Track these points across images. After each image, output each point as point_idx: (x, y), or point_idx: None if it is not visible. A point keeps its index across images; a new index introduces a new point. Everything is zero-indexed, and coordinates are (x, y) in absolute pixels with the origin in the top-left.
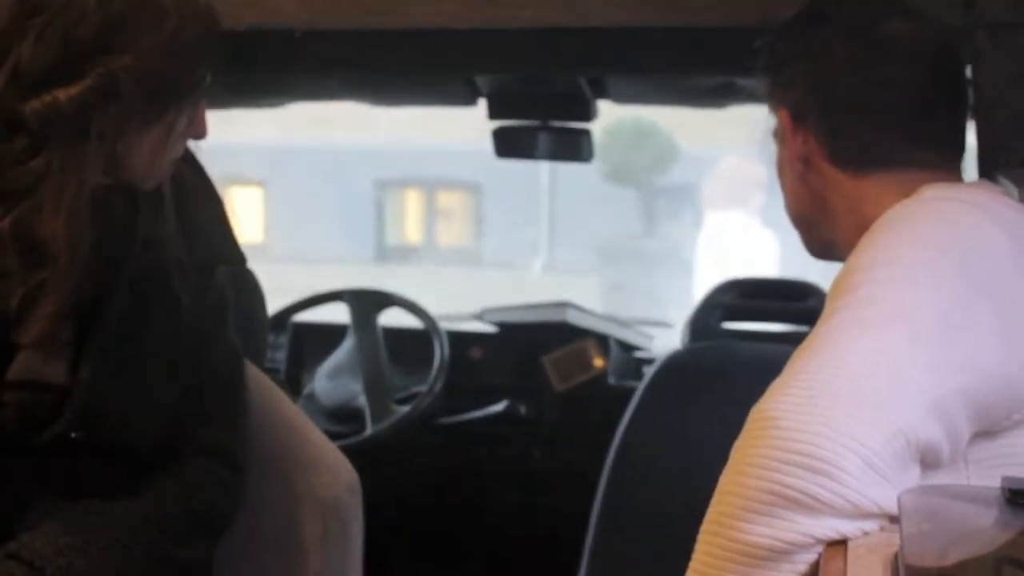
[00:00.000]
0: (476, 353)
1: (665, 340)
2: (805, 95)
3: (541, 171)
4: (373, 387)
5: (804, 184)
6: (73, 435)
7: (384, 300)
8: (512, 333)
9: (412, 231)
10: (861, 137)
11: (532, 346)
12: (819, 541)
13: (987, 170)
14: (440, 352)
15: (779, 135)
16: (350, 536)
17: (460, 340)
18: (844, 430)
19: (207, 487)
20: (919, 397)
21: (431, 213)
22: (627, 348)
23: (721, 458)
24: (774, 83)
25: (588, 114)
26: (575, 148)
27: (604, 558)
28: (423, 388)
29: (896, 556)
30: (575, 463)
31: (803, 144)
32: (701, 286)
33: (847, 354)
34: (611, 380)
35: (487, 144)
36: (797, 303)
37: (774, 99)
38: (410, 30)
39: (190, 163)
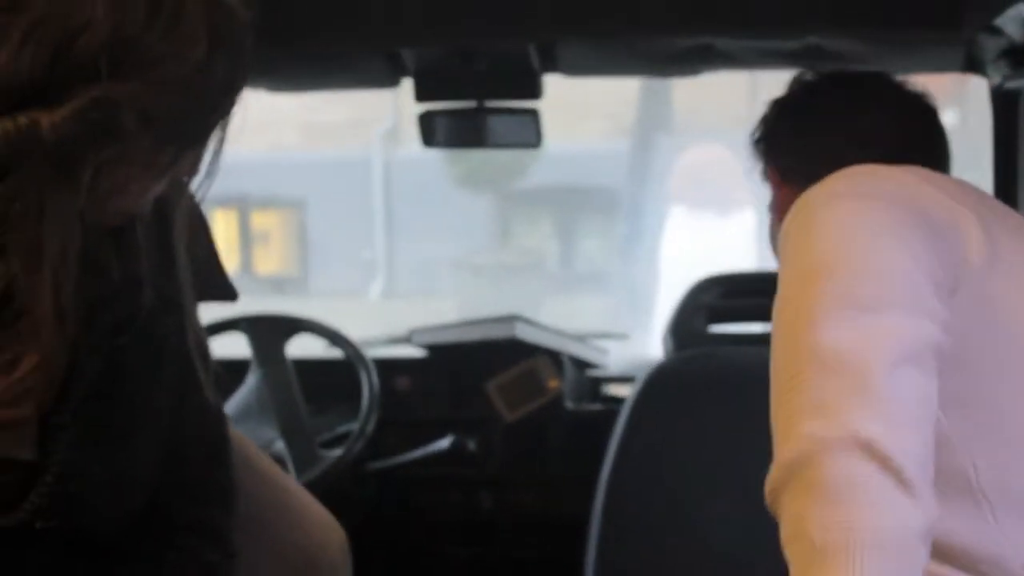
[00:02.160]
0: (403, 383)
1: (620, 353)
2: (791, 150)
3: (374, 181)
4: (292, 431)
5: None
6: (38, 525)
7: (291, 326)
8: (447, 356)
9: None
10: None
11: (471, 371)
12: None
13: None
14: (369, 384)
15: (771, 185)
16: None
17: (383, 368)
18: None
19: None
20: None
21: (245, 237)
22: (581, 366)
23: (733, 478)
24: (768, 152)
25: (534, 90)
26: (520, 131)
27: None
28: (349, 428)
29: None
30: (532, 505)
31: (786, 194)
32: (669, 289)
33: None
34: (568, 404)
35: (312, 153)
36: None
37: (767, 162)
38: None
39: (174, 187)
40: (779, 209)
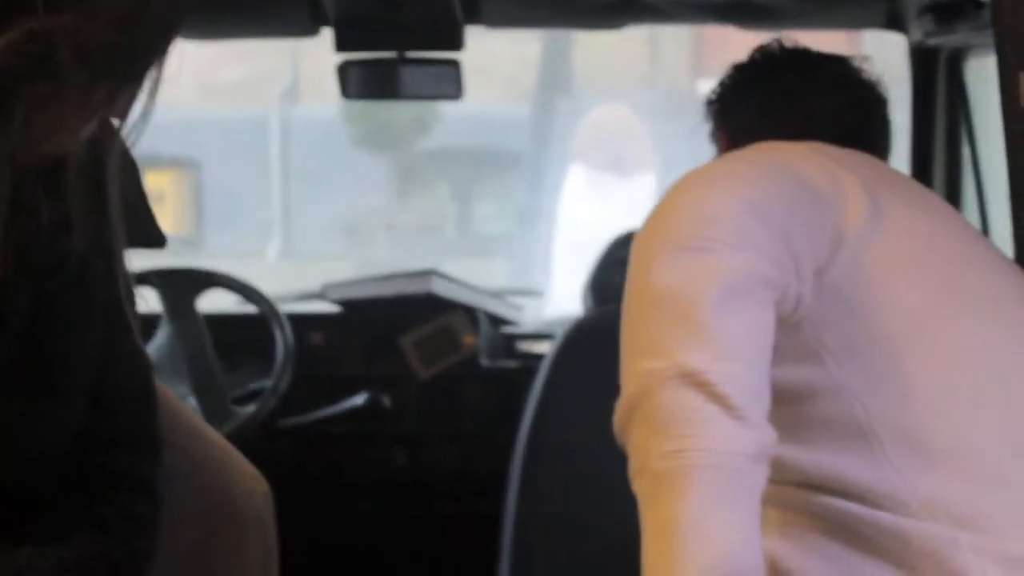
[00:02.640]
0: (316, 339)
1: (536, 311)
2: (742, 122)
3: (271, 141)
4: (203, 387)
5: None
6: None
7: (203, 280)
8: (361, 312)
9: None
10: None
11: (386, 326)
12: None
13: (1010, 77)
14: (283, 340)
15: (715, 141)
16: (271, 553)
17: (296, 324)
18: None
19: (125, 528)
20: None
21: None
22: (496, 322)
23: None
24: (717, 112)
25: (456, 41)
26: (441, 83)
27: (531, 569)
28: (262, 385)
29: None
30: (448, 462)
31: (728, 146)
32: (565, 249)
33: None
34: (483, 361)
35: (209, 111)
36: None
37: (717, 123)
38: None
39: (106, 128)
40: (721, 151)
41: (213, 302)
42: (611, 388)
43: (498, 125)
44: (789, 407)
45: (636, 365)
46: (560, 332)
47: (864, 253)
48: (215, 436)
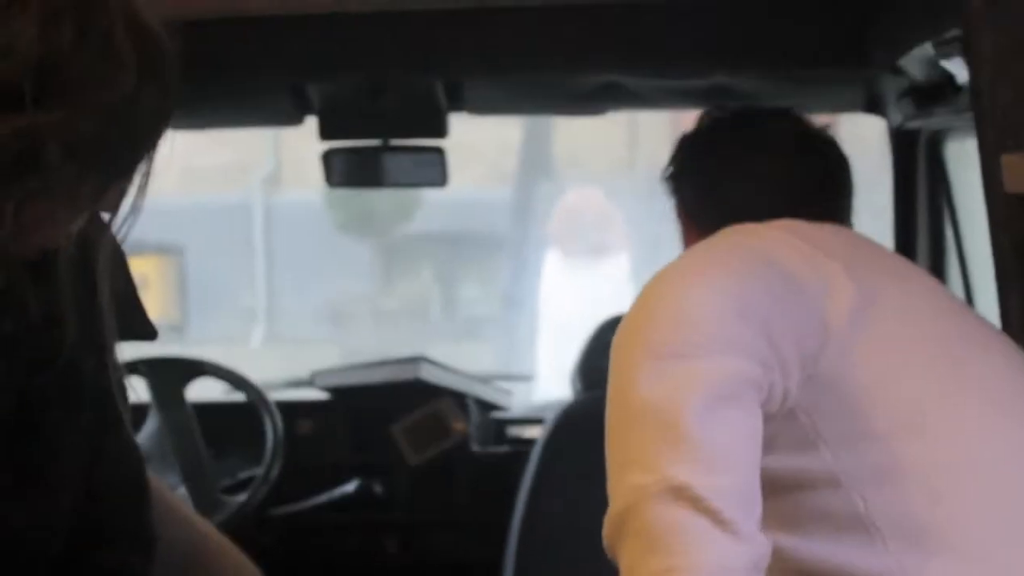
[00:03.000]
0: (306, 427)
1: (524, 396)
2: (696, 192)
3: (254, 226)
4: (193, 476)
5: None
6: None
7: (191, 369)
8: (349, 399)
9: None
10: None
11: (376, 413)
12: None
13: (991, 160)
14: (273, 428)
15: (678, 217)
16: None
17: (285, 411)
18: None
19: None
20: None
21: None
22: (485, 407)
23: None
24: (673, 188)
25: (440, 128)
26: (425, 171)
27: None
28: (252, 474)
29: None
30: (440, 549)
31: (686, 225)
32: (549, 333)
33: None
34: (474, 447)
35: (191, 198)
36: None
37: (675, 200)
38: (215, 19)
39: (96, 222)
40: (683, 229)
41: (202, 390)
42: (602, 472)
43: (480, 209)
44: (786, 496)
45: (623, 480)
46: (550, 416)
47: (854, 343)
48: (208, 528)
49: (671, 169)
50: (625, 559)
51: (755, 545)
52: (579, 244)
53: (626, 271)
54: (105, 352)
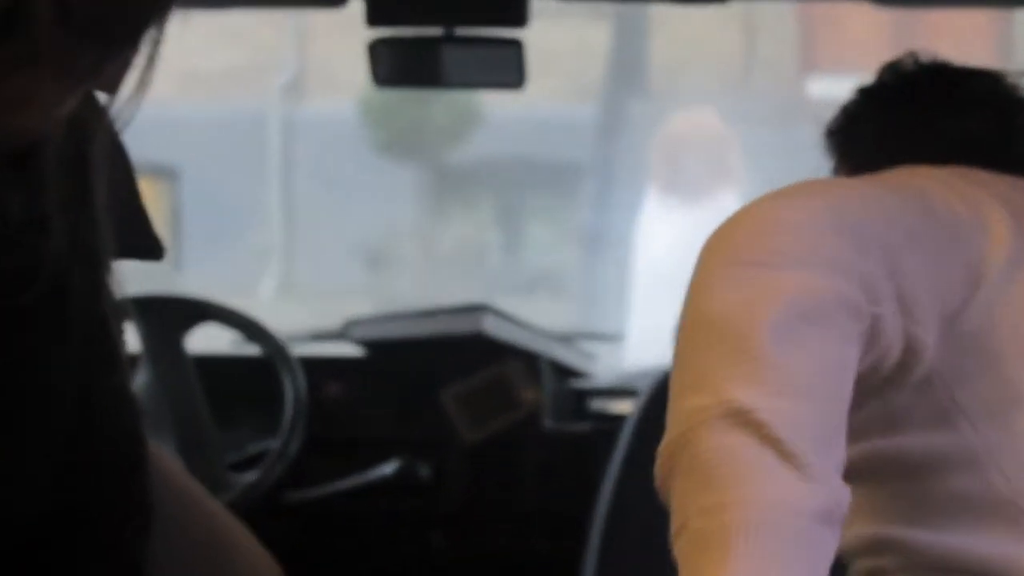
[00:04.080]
0: (335, 390)
1: (612, 361)
2: (870, 155)
3: (270, 145)
4: (193, 446)
5: None
6: None
7: (193, 312)
8: (392, 357)
9: None
10: None
11: (424, 376)
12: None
13: None
14: (294, 390)
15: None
16: None
17: (310, 370)
18: None
19: None
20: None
21: None
22: (563, 374)
23: None
24: (840, 144)
25: (519, 15)
26: (498, 68)
27: None
28: (266, 447)
29: None
30: (500, 548)
31: None
32: (645, 285)
33: None
34: (547, 422)
35: (191, 108)
36: None
37: (838, 159)
38: None
39: (91, 106)
40: None
41: (205, 341)
42: None
43: (556, 130)
44: (913, 482)
45: (680, 404)
46: (644, 387)
47: (1008, 294)
48: (217, 508)
49: (841, 123)
50: (676, 496)
51: (829, 490)
52: (685, 179)
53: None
54: (100, 269)
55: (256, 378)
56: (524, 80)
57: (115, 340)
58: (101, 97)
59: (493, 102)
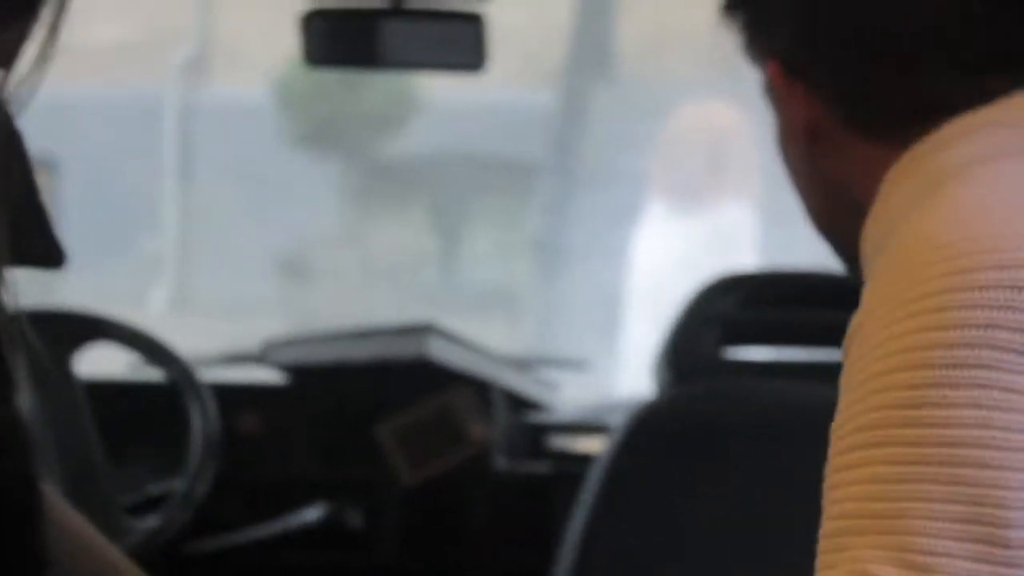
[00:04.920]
0: (251, 422)
1: (575, 391)
2: (799, 34)
3: (165, 134)
4: (83, 486)
5: (814, 166)
6: None
7: (84, 329)
8: (319, 384)
9: None
10: (888, 83)
11: (356, 407)
12: None
13: None
14: (203, 422)
15: (772, 99)
16: None
17: (222, 399)
18: None
19: None
20: None
21: None
22: (517, 405)
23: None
24: (756, 24)
25: None
26: (454, 48)
27: None
28: (168, 488)
29: None
30: None
31: (805, 107)
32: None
33: None
34: (499, 462)
35: (73, 88)
36: (848, 311)
37: (758, 48)
38: None
39: None
40: (787, 128)
41: (96, 363)
42: (695, 506)
43: (505, 120)
44: None
45: (854, 553)
46: (620, 422)
47: None
48: (118, 558)
49: None
50: None
51: None
52: (690, 183)
53: (737, 222)
54: None
55: (157, 408)
56: (484, 61)
57: (6, 363)
58: None
59: (433, 87)
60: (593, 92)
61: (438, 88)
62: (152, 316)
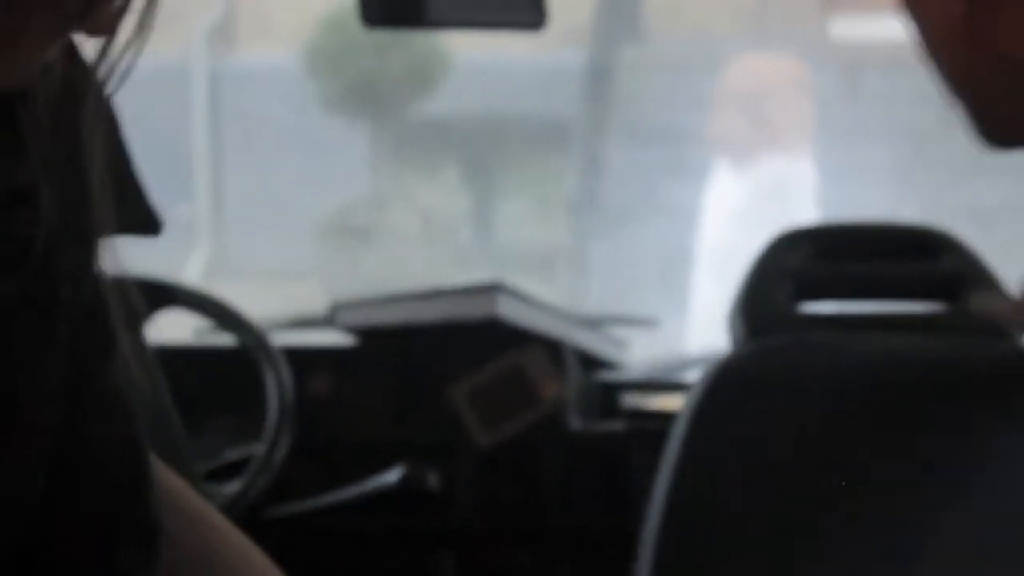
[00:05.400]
0: (321, 386)
1: (645, 349)
2: None
3: (194, 102)
4: (161, 453)
5: (966, 30)
6: None
7: (158, 296)
8: (390, 346)
9: None
10: None
11: (429, 368)
12: None
13: None
14: (279, 388)
15: None
16: None
17: (293, 363)
18: None
19: None
20: None
21: None
22: (590, 364)
23: (838, 526)
24: None
25: None
26: (513, 6)
27: None
28: (246, 452)
29: None
30: (519, 570)
31: None
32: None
33: None
34: (573, 422)
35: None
36: (920, 263)
37: None
38: None
39: (76, 63)
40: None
41: (167, 329)
42: (773, 461)
43: (536, 81)
44: None
45: None
46: (696, 378)
47: None
48: (227, 527)
49: None
50: None
51: None
52: (741, 138)
53: (794, 176)
54: (94, 248)
55: (232, 374)
56: (545, 19)
57: (111, 331)
58: (90, 52)
59: (464, 48)
60: (621, 49)
61: (467, 49)
62: (190, 281)
